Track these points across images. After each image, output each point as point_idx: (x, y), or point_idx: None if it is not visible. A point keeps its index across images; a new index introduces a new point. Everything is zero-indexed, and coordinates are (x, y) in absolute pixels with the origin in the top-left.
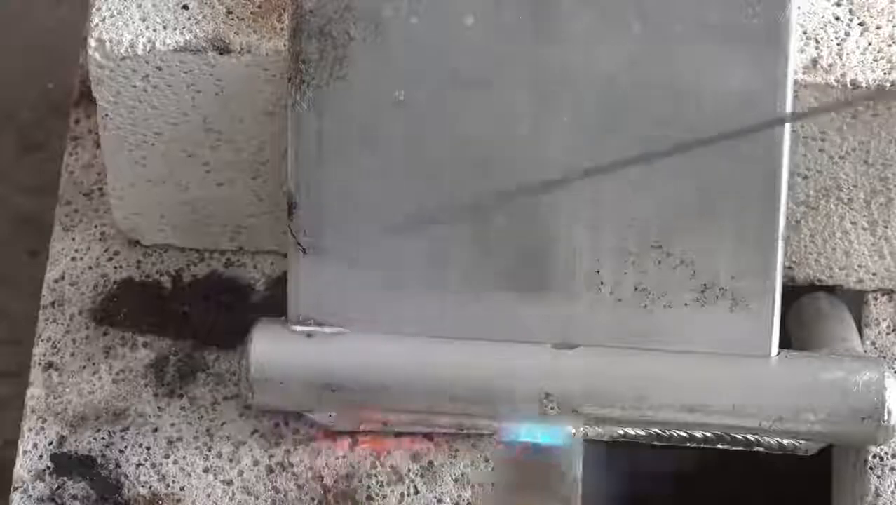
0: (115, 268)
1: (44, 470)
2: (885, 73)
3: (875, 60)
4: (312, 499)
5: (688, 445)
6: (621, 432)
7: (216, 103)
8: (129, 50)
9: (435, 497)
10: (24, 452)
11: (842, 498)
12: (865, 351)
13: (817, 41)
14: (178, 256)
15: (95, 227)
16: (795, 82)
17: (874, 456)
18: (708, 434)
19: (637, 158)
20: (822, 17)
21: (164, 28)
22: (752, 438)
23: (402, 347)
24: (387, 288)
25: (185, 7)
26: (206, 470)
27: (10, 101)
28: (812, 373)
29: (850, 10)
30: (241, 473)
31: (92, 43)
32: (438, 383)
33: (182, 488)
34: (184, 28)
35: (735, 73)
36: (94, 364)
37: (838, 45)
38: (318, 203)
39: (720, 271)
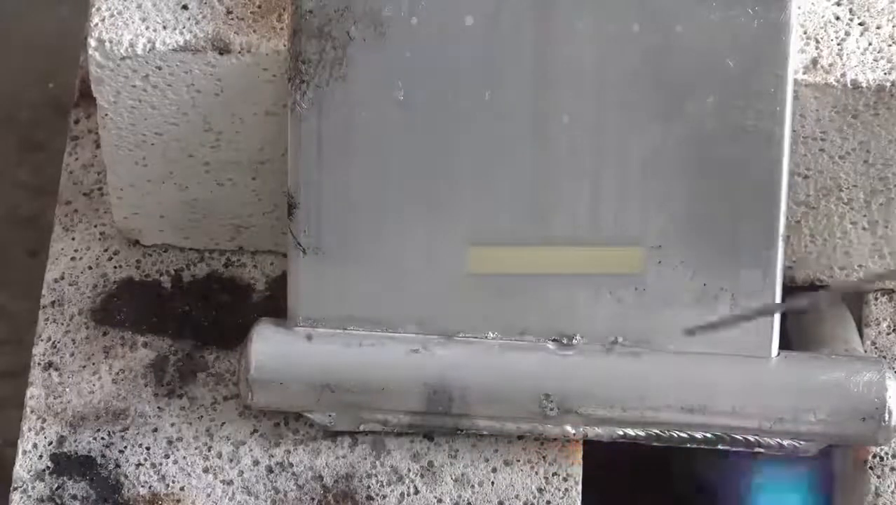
0: (115, 268)
1: (43, 470)
2: (885, 74)
3: (875, 60)
4: (312, 499)
5: (688, 445)
6: (621, 433)
7: (216, 103)
8: (129, 50)
9: (435, 497)
10: (24, 452)
11: (842, 498)
12: (865, 351)
13: (817, 41)
14: (178, 256)
15: (95, 227)
16: (795, 82)
17: (874, 456)
18: (708, 435)
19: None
20: (822, 17)
21: (164, 28)
22: (752, 438)
23: (402, 347)
24: (387, 288)
25: (185, 7)
26: (206, 470)
27: (10, 101)
28: (812, 373)
29: (851, 10)
30: (241, 473)
31: (92, 43)
32: (438, 384)
33: (182, 488)
34: (184, 28)
35: (735, 72)
36: (94, 364)
37: (838, 45)
38: (318, 203)
39: (720, 271)
